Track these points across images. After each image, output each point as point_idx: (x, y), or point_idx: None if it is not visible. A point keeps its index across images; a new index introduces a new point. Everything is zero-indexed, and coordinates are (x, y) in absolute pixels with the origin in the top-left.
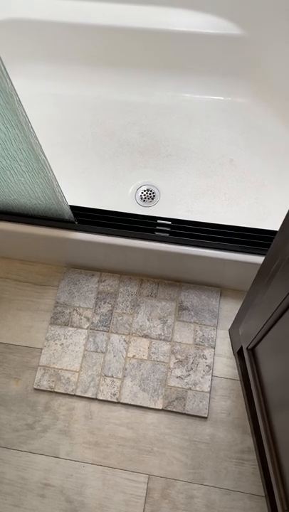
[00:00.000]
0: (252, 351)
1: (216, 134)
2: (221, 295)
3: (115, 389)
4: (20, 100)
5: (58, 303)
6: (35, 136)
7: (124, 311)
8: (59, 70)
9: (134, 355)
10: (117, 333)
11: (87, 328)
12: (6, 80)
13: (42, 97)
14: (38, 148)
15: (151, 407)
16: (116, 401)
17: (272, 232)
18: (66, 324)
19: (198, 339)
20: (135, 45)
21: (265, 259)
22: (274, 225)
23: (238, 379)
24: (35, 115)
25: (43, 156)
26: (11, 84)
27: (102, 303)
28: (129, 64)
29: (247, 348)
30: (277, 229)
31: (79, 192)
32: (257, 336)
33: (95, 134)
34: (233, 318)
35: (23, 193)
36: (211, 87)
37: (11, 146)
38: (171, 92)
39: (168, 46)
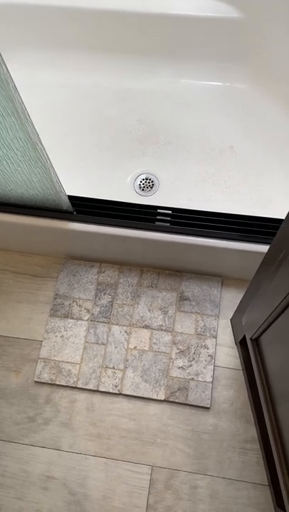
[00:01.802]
0: (256, 341)
1: (216, 120)
2: (222, 284)
3: (117, 380)
4: (16, 87)
5: (57, 294)
6: (32, 125)
7: (125, 302)
8: (54, 57)
9: (135, 346)
10: (117, 324)
11: (87, 320)
12: (1, 66)
13: (37, 85)
14: (35, 137)
15: (154, 398)
16: (118, 392)
17: (274, 220)
18: (66, 316)
19: (199, 329)
20: (132, 29)
21: (270, 249)
22: (275, 212)
23: (241, 368)
24: (30, 104)
25: (40, 144)
26: (7, 70)
27: (102, 294)
28: (126, 50)
29: (251, 338)
30: (278, 216)
31: (77, 181)
32: (261, 327)
33: (92, 123)
34: (235, 308)
35: (20, 183)
36: (209, 72)
37: (7, 134)
38: (169, 78)
39: (165, 30)
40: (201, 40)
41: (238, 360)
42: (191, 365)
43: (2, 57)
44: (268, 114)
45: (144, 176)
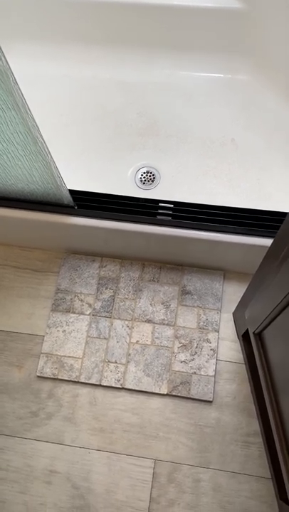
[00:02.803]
0: (259, 335)
1: (217, 112)
2: (224, 278)
3: (119, 375)
4: (16, 80)
5: (58, 289)
6: (33, 118)
7: (127, 297)
8: (53, 49)
9: (137, 341)
10: (119, 318)
11: (89, 315)
12: (1, 59)
13: (35, 77)
14: (35, 131)
15: (156, 392)
16: (120, 387)
17: (277, 214)
18: (68, 311)
19: (201, 323)
20: (132, 21)
21: (273, 242)
22: (277, 206)
23: (243, 362)
24: (29, 96)
25: (40, 138)
26: (6, 62)
27: (104, 288)
28: (126, 41)
29: (254, 332)
30: (280, 210)
31: (77, 175)
32: (265, 321)
33: (91, 116)
34: (238, 302)
35: (20, 178)
36: (210, 64)
37: (7, 128)
38: (170, 69)
39: (165, 22)
40: (201, 31)
41: (241, 354)
42: (193, 359)
43: (2, 50)
44: (269, 105)
45: (145, 170)
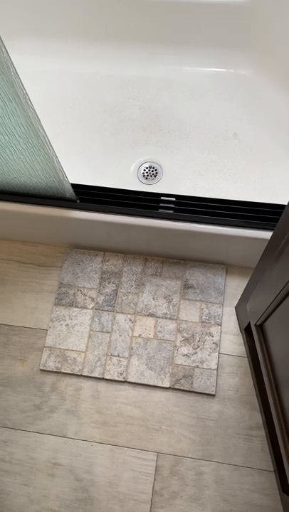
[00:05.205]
0: (260, 327)
1: (219, 107)
2: (226, 272)
3: (122, 368)
4: (17, 72)
5: (61, 284)
6: (34, 110)
7: (129, 291)
8: (55, 45)
9: (140, 334)
10: (122, 312)
11: (92, 309)
12: (1, 49)
13: (37, 74)
14: (37, 123)
15: (159, 385)
16: (123, 380)
17: (279, 207)
18: (71, 305)
19: (204, 317)
20: (134, 16)
21: (273, 234)
22: (280, 199)
23: (246, 356)
24: (31, 93)
25: (42, 131)
26: (7, 53)
27: (107, 283)
28: (128, 37)
29: (255, 324)
30: (284, 203)
31: (80, 170)
32: (266, 312)
33: (94, 111)
34: (240, 296)
35: (23, 172)
36: (212, 59)
37: (9, 121)
38: (172, 65)
39: (167, 16)
40: (203, 25)
41: (243, 347)
42: (195, 353)
43: (1, 40)
44: (272, 100)
45: (147, 165)
